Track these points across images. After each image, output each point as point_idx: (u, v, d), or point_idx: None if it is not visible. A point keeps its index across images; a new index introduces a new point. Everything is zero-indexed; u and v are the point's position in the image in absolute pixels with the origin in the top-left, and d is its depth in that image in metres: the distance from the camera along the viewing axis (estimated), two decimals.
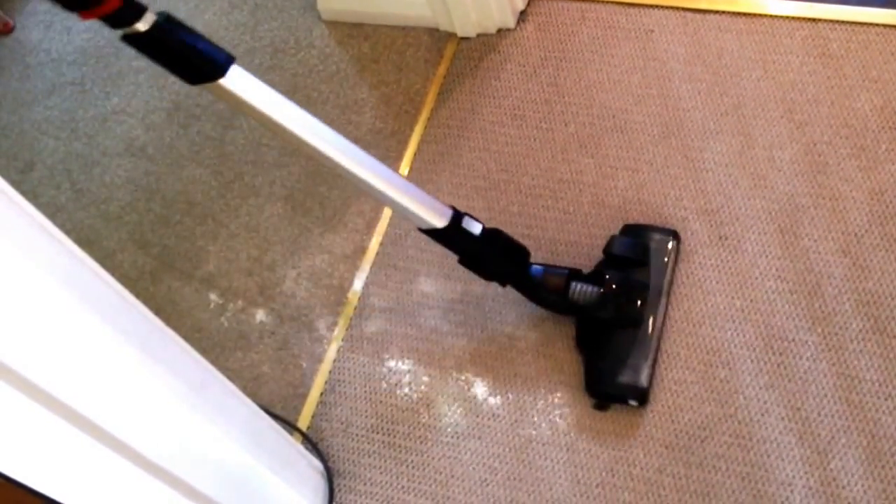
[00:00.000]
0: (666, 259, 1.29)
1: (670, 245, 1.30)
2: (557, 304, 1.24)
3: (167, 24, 0.86)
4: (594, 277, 1.24)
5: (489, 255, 1.15)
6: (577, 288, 1.22)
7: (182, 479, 0.90)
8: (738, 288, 1.28)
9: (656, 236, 1.31)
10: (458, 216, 1.09)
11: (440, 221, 1.07)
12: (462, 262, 1.15)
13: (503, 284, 1.21)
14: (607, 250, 1.29)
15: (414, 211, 1.05)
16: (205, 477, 0.95)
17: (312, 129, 0.98)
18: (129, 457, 0.82)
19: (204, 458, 0.97)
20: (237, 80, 0.91)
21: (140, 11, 0.83)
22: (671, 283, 1.29)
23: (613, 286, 1.22)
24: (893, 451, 1.13)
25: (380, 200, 1.05)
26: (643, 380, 1.21)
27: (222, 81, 0.90)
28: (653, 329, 1.24)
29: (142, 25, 0.83)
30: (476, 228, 1.10)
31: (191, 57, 0.88)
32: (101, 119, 1.77)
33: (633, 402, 1.22)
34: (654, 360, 1.24)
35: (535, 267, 1.22)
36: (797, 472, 1.15)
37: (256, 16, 1.79)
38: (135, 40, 0.85)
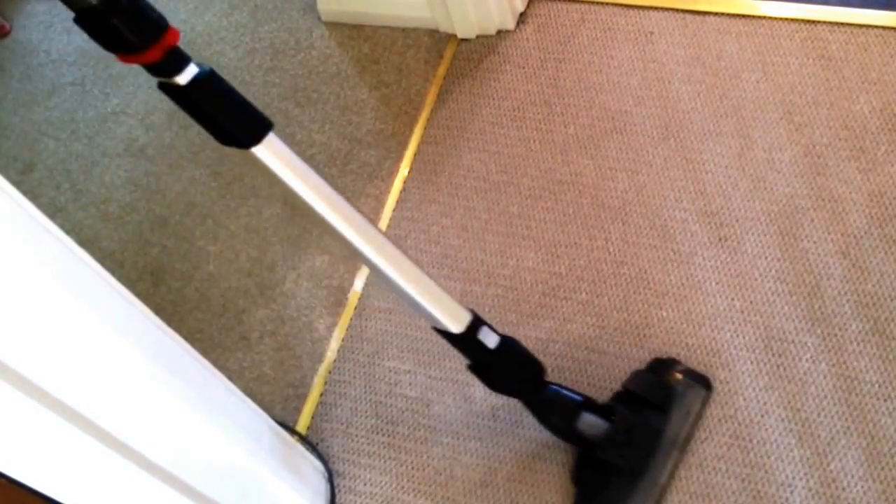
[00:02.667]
0: (690, 409, 1.17)
1: (698, 394, 1.18)
2: (562, 431, 1.15)
3: (207, 82, 0.79)
4: (606, 411, 1.14)
5: (501, 368, 1.06)
6: (586, 419, 1.12)
7: (182, 480, 0.90)
8: (737, 289, 1.28)
9: (684, 381, 1.19)
10: (475, 325, 1.01)
11: (456, 327, 1.00)
12: (471, 368, 1.07)
13: (515, 397, 1.14)
14: (627, 385, 1.19)
15: (432, 312, 0.98)
16: (205, 477, 0.95)
17: (338, 209, 0.92)
18: (129, 457, 0.83)
19: (204, 458, 0.97)
20: (270, 151, 0.85)
21: (182, 64, 0.77)
22: (690, 436, 1.17)
23: (622, 427, 1.12)
24: (893, 452, 1.14)
25: (398, 294, 0.98)
26: None
27: (255, 150, 0.83)
28: (655, 484, 1.13)
29: (181, 79, 0.78)
30: (492, 341, 1.02)
31: (224, 120, 0.82)
32: (101, 120, 1.77)
33: None
34: None
35: (552, 386, 1.13)
36: (797, 473, 1.15)
37: (256, 17, 1.80)
38: (171, 91, 0.79)
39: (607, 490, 1.14)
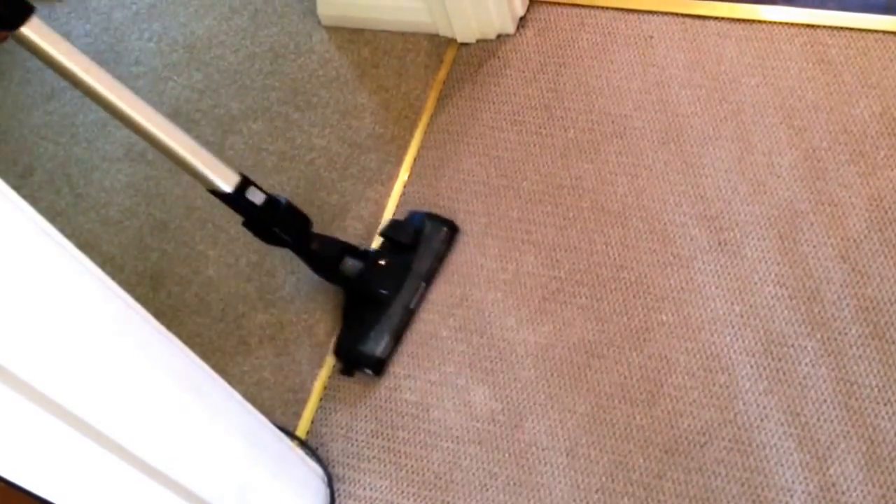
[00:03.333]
0: (435, 247, 1.40)
1: (442, 234, 1.40)
2: (329, 274, 1.36)
3: None
4: (364, 255, 1.36)
5: (269, 222, 1.22)
6: (348, 262, 1.34)
7: (183, 484, 0.90)
8: (737, 293, 1.28)
9: (431, 224, 1.41)
10: (243, 185, 1.17)
11: (227, 187, 1.15)
12: (245, 225, 1.24)
13: (285, 247, 1.30)
14: (382, 232, 1.41)
15: (204, 173, 1.12)
16: (205, 482, 0.95)
17: (110, 86, 1.06)
18: (129, 461, 0.82)
19: (204, 463, 0.97)
20: (36, 31, 0.99)
21: None
22: (435, 270, 1.40)
23: (375, 264, 1.36)
24: (893, 456, 1.14)
25: (171, 159, 1.12)
26: (380, 351, 1.33)
27: (23, 30, 0.98)
28: (402, 309, 1.36)
29: None
30: (259, 199, 1.18)
31: None
32: (100, 124, 1.77)
33: (368, 371, 1.33)
34: (397, 336, 1.35)
35: (317, 237, 1.31)
36: (797, 477, 1.15)
37: (256, 21, 1.80)
38: None
39: (363, 316, 1.37)
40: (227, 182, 1.15)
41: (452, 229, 1.42)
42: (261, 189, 1.19)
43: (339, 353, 1.37)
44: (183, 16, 1.85)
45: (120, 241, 1.61)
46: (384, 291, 1.36)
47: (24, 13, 0.98)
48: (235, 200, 1.17)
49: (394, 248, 1.40)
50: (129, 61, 1.82)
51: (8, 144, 1.80)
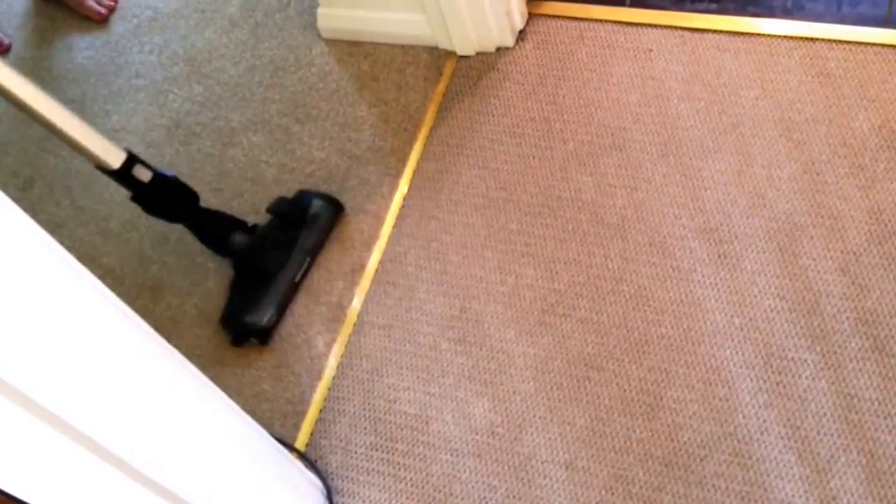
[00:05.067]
0: (321, 223, 1.47)
1: (327, 210, 1.47)
2: (218, 247, 1.42)
3: None
4: (252, 229, 1.44)
5: (157, 197, 1.28)
6: (236, 237, 1.41)
7: (180, 496, 0.90)
8: (737, 306, 1.28)
9: (317, 202, 1.48)
10: (130, 162, 1.22)
11: (114, 163, 1.20)
12: (132, 199, 1.28)
13: (174, 223, 1.36)
14: (270, 209, 1.46)
15: (92, 151, 1.17)
16: (204, 494, 0.95)
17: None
18: (126, 472, 0.82)
19: (203, 475, 0.96)
20: None
21: None
22: (320, 245, 1.47)
23: (260, 238, 1.43)
24: (893, 470, 1.13)
25: (59, 138, 1.16)
26: (265, 321, 1.40)
27: None
28: (287, 281, 1.43)
29: None
30: (146, 176, 1.24)
31: None
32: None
33: (254, 340, 1.40)
34: (282, 308, 1.42)
35: (206, 211, 1.38)
36: (797, 491, 1.14)
37: (257, 34, 1.81)
38: None
39: (248, 287, 1.44)
40: (114, 159, 1.21)
41: (338, 207, 1.49)
42: (148, 166, 1.25)
43: (226, 323, 1.43)
44: (183, 29, 1.86)
45: (120, 254, 1.61)
46: (270, 265, 1.43)
47: None
48: (122, 177, 1.23)
49: (281, 225, 1.46)
50: (130, 74, 1.83)
51: (9, 156, 1.81)
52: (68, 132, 1.15)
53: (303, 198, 1.50)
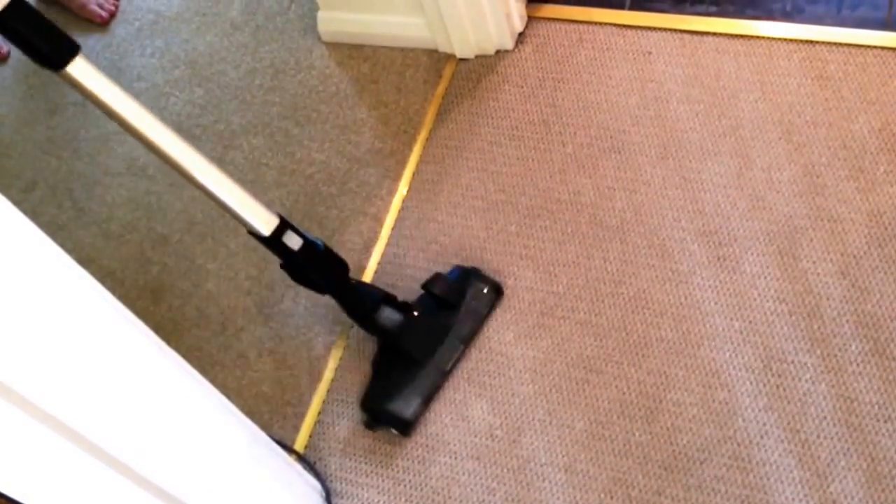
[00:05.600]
0: (479, 309, 1.34)
1: (487, 296, 1.35)
2: (365, 323, 1.31)
3: (20, 5, 0.93)
4: (405, 307, 1.31)
5: (307, 267, 1.22)
6: (385, 312, 1.29)
7: (178, 498, 0.90)
8: (736, 309, 1.28)
9: (477, 284, 1.35)
10: (281, 229, 1.16)
11: (265, 230, 1.15)
12: (282, 266, 1.23)
13: (322, 293, 1.28)
14: (427, 286, 1.34)
15: (244, 217, 1.14)
16: (202, 496, 0.95)
17: (150, 124, 1.07)
18: (125, 474, 0.82)
19: (201, 477, 0.96)
20: (80, 70, 0.99)
21: None
22: (475, 333, 1.34)
23: (415, 320, 1.30)
24: (893, 474, 1.13)
25: (212, 201, 1.13)
26: (409, 413, 1.29)
27: (68, 69, 0.98)
28: (437, 371, 1.31)
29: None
30: (296, 244, 1.18)
31: (39, 43, 0.96)
32: (102, 139, 1.78)
33: (394, 431, 1.29)
34: (428, 399, 1.30)
35: (355, 284, 1.30)
36: (797, 494, 1.14)
37: (258, 37, 1.81)
38: None
39: (395, 371, 1.32)
40: (265, 225, 1.15)
41: (497, 291, 1.36)
42: (298, 232, 1.18)
43: (367, 406, 1.33)
44: (185, 32, 1.87)
45: (121, 255, 1.61)
46: (421, 351, 1.31)
47: (70, 52, 0.98)
48: (273, 244, 1.17)
49: (434, 304, 1.34)
50: (132, 77, 1.84)
51: (11, 159, 1.81)
52: (219, 195, 1.11)
53: (459, 276, 1.37)
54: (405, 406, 1.29)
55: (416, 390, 1.30)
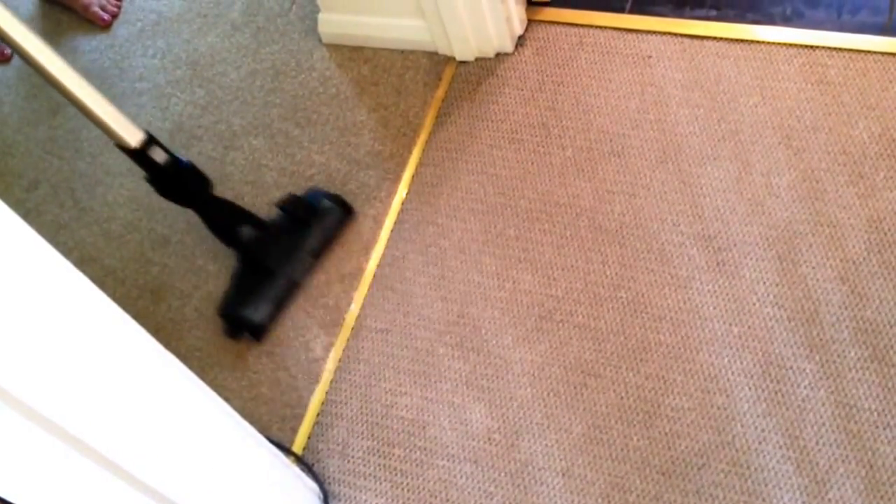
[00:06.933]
0: (328, 225, 1.48)
1: (337, 214, 1.48)
2: (225, 237, 1.42)
3: None
4: (261, 224, 1.45)
5: (171, 181, 1.29)
6: (245, 229, 1.42)
7: (176, 502, 0.90)
8: (735, 314, 1.28)
9: (327, 204, 1.48)
10: (148, 143, 1.23)
11: (133, 142, 1.21)
12: (147, 180, 1.29)
13: (185, 207, 1.36)
14: (280, 204, 1.48)
15: (112, 128, 1.19)
16: (200, 498, 0.95)
17: (30, 39, 1.10)
18: (121, 476, 0.82)
19: (199, 479, 0.96)
20: None
21: None
22: (325, 247, 1.48)
23: (269, 234, 1.44)
24: (892, 481, 1.13)
25: (81, 112, 1.17)
26: (259, 317, 1.42)
27: None
28: (288, 280, 1.44)
29: None
30: (161, 158, 1.25)
31: None
32: (104, 139, 1.77)
33: (247, 335, 1.42)
34: (278, 306, 1.43)
35: (218, 200, 1.38)
36: (795, 501, 1.14)
37: (258, 39, 1.81)
38: None
39: (249, 281, 1.45)
40: (132, 138, 1.22)
41: (347, 211, 1.49)
42: (164, 148, 1.26)
43: (223, 313, 1.45)
44: (186, 33, 1.87)
45: (122, 255, 1.61)
46: (275, 262, 1.44)
47: None
48: (139, 156, 1.24)
49: (289, 222, 1.47)
50: (133, 77, 1.84)
51: (14, 158, 1.82)
52: (90, 106, 1.16)
53: (313, 197, 1.50)
54: (255, 311, 1.42)
55: (267, 297, 1.43)
